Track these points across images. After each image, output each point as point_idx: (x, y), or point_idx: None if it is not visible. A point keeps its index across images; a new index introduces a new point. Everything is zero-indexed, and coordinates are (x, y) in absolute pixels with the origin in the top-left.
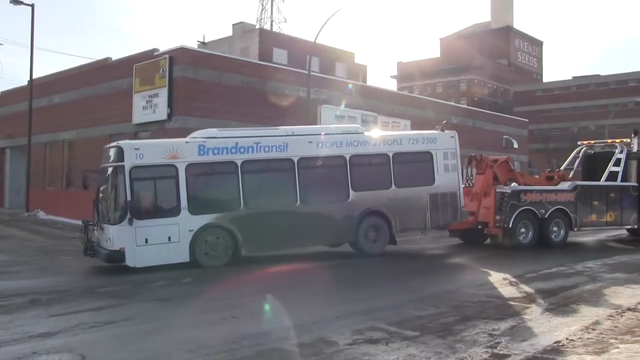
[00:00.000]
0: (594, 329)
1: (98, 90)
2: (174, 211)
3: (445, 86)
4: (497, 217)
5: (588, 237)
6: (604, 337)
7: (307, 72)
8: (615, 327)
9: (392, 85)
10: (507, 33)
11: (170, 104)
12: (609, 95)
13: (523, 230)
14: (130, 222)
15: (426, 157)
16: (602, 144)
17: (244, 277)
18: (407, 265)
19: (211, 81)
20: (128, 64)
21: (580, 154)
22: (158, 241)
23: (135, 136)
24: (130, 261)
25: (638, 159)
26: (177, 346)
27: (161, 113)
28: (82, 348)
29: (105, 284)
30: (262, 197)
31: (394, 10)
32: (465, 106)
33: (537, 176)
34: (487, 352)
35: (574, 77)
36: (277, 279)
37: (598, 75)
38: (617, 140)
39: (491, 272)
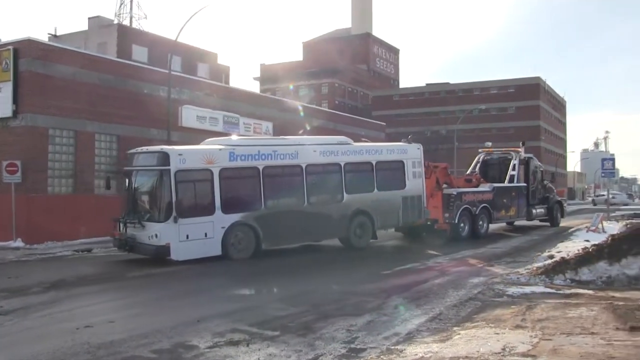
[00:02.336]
0: (440, 319)
1: None
2: (210, 210)
3: (308, 89)
4: (446, 215)
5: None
6: (448, 326)
7: (168, 71)
8: (458, 315)
9: (254, 87)
10: (366, 39)
11: (15, 100)
12: (457, 102)
13: (462, 225)
14: (175, 220)
15: (399, 165)
16: (500, 152)
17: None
18: (279, 263)
19: (64, 77)
20: None
21: (480, 160)
22: (197, 237)
23: None
24: (174, 255)
25: (525, 164)
26: None
27: (5, 110)
28: None
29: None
30: (278, 198)
31: (258, 12)
32: (326, 109)
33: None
34: (345, 347)
35: (427, 84)
36: (135, 285)
37: (448, 83)
38: (511, 149)
39: (355, 270)
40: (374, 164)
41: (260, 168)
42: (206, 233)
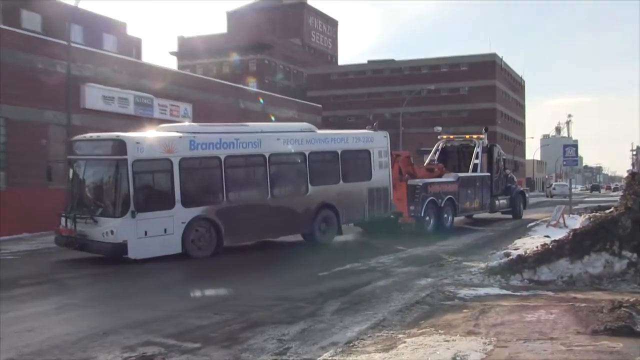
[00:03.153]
0: (384, 326)
1: None
2: (170, 204)
3: (233, 66)
4: (411, 208)
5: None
6: (392, 333)
7: (66, 42)
8: (403, 321)
9: (172, 63)
10: (300, 10)
11: None
12: (403, 82)
13: (427, 218)
14: (133, 215)
15: (365, 155)
16: (461, 139)
17: None
18: (203, 266)
19: None
20: None
21: (439, 147)
22: (156, 233)
23: None
24: (132, 253)
25: (488, 152)
26: None
27: None
28: None
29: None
30: (240, 190)
31: None
32: (255, 89)
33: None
34: (276, 359)
35: (369, 61)
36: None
37: (393, 60)
38: (474, 136)
39: (289, 271)
40: (339, 154)
41: (222, 158)
42: (165, 229)
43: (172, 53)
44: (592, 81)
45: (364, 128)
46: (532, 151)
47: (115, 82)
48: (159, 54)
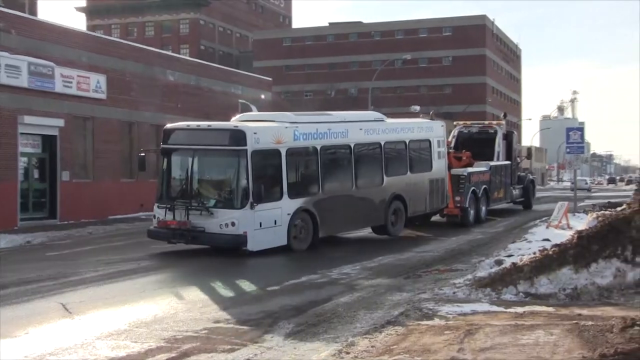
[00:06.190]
0: (348, 352)
1: None
2: (279, 195)
3: (158, 28)
4: (457, 199)
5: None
6: None
7: None
8: (372, 346)
9: (79, 22)
10: None
11: None
12: (373, 50)
13: (469, 209)
14: (252, 207)
15: (427, 145)
16: (480, 125)
17: None
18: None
19: None
20: None
21: (456, 134)
22: (268, 225)
23: None
24: (251, 245)
25: (507, 140)
26: None
27: None
28: None
29: None
30: (332, 181)
31: None
32: (187, 57)
33: None
34: None
35: (331, 24)
36: None
37: (360, 23)
38: (494, 123)
39: (228, 286)
40: (407, 143)
41: (318, 148)
42: (275, 220)
43: (79, 9)
44: (602, 49)
45: (322, 107)
46: (530, 136)
47: (2, 44)
48: (63, 10)
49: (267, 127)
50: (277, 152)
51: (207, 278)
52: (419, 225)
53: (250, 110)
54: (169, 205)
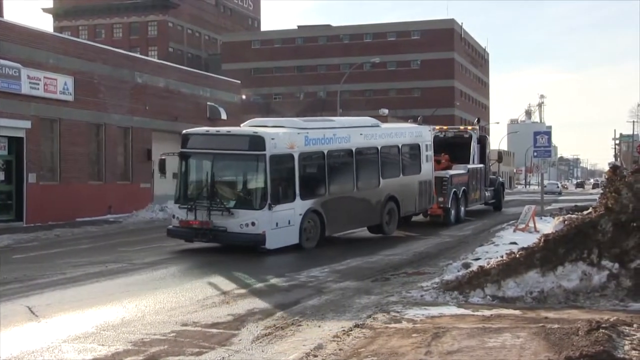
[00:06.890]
0: (316, 356)
1: None
2: (293, 196)
3: (126, 29)
4: (440, 199)
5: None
6: None
7: None
8: (340, 349)
9: (46, 24)
10: None
11: None
12: (342, 53)
13: (451, 209)
14: (270, 208)
15: (417, 149)
16: (455, 129)
17: None
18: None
19: None
20: None
21: (432, 138)
22: (283, 225)
23: None
24: (269, 243)
25: (480, 144)
26: None
27: None
28: None
29: None
30: (337, 183)
31: None
32: (155, 59)
33: None
34: None
35: (300, 27)
36: None
37: (329, 26)
38: (469, 127)
39: (196, 288)
40: (400, 147)
41: (325, 152)
42: (289, 220)
43: (46, 10)
44: (569, 54)
45: (288, 112)
46: (498, 139)
47: None
48: (29, 10)
49: (282, 133)
50: (290, 157)
51: (176, 281)
52: (402, 225)
53: (219, 114)
54: (189, 206)
